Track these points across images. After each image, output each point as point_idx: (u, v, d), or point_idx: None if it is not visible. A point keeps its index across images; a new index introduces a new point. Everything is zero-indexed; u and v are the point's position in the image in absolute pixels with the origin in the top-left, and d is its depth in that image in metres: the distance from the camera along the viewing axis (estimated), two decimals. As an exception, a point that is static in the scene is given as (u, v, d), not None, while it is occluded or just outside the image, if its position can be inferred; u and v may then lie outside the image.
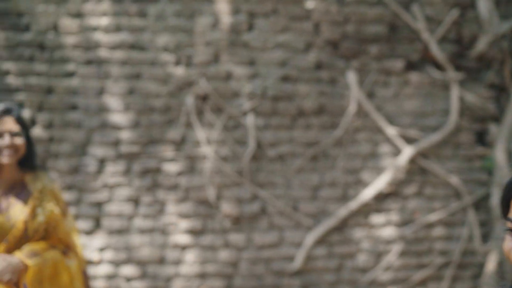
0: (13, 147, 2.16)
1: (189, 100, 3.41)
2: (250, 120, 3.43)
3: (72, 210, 3.44)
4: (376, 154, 3.52)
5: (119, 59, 3.40)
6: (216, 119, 3.43)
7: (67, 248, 2.30)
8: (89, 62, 3.41)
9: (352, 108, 3.46)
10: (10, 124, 2.17)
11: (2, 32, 3.37)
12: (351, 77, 3.44)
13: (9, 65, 3.38)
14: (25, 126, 2.24)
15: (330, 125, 3.51)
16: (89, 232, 3.48)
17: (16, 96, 3.39)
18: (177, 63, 3.42)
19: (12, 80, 3.39)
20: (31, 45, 3.38)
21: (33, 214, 2.17)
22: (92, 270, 3.47)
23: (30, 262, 2.04)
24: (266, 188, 3.49)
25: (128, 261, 3.48)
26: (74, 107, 3.43)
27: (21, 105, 3.39)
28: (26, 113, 3.39)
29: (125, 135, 3.44)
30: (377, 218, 3.53)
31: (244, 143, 3.47)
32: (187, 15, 3.38)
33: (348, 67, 3.47)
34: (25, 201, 2.19)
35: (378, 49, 3.45)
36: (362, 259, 3.53)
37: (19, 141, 2.18)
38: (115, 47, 3.40)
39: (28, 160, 2.26)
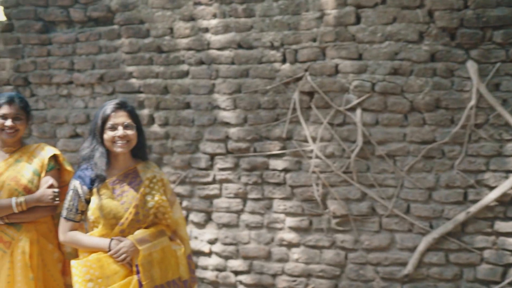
0: (125, 138, 2.34)
1: (295, 96, 3.38)
2: (358, 116, 3.29)
3: (184, 203, 3.64)
4: (501, 153, 3.13)
5: (228, 58, 3.50)
6: (322, 115, 3.35)
7: (174, 234, 2.43)
8: (200, 62, 3.56)
9: (472, 102, 3.12)
10: (123, 117, 2.36)
11: (126, 39, 3.68)
12: (471, 68, 3.10)
13: (132, 68, 3.68)
14: (137, 119, 2.42)
15: (447, 121, 3.20)
16: (200, 225, 3.63)
17: (138, 96, 3.68)
18: (283, 59, 3.41)
19: (134, 82, 3.69)
20: (150, 49, 3.64)
21: (144, 201, 2.34)
22: (202, 261, 3.63)
23: (140, 247, 2.23)
24: (375, 187, 3.31)
25: (236, 255, 3.56)
26: (187, 105, 3.61)
27: (141, 104, 3.67)
28: (145, 112, 3.66)
29: (233, 131, 3.53)
30: (502, 225, 3.14)
31: (351, 140, 3.33)
32: (292, 11, 3.35)
33: (467, 57, 3.13)
34: (137, 188, 2.37)
35: (502, 35, 3.06)
36: (484, 270, 3.17)
37: (131, 132, 2.36)
38: (224, 47, 3.50)
39: (140, 151, 2.45)
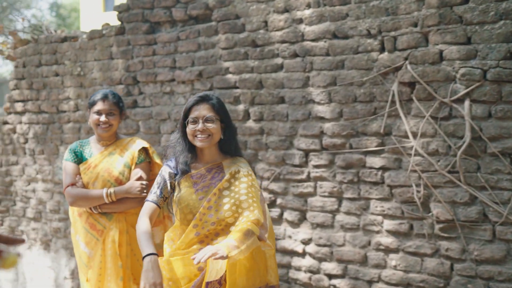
0: (205, 132, 2.26)
1: (394, 88, 3.09)
2: (466, 108, 2.89)
3: (279, 201, 3.54)
4: None
5: (322, 49, 3.33)
6: (424, 108, 3.02)
7: (262, 229, 2.22)
8: (294, 55, 3.43)
9: None
10: (205, 110, 2.28)
11: (223, 35, 3.69)
12: None
13: (228, 64, 3.68)
14: (222, 113, 2.32)
15: None
16: (294, 224, 3.50)
17: (234, 91, 3.67)
18: (381, 48, 3.14)
19: (230, 77, 3.68)
20: (245, 43, 3.60)
21: (220, 196, 2.22)
22: (296, 262, 3.50)
23: (231, 253, 1.99)
24: (486, 190, 2.88)
25: (330, 257, 3.37)
26: (281, 100, 3.51)
27: (237, 99, 3.65)
28: (241, 107, 3.64)
29: (328, 126, 3.34)
30: None
31: (458, 135, 2.94)
32: (390, -6, 3.07)
33: None
34: (217, 184, 2.27)
35: None
36: None
37: (212, 126, 2.26)
38: (318, 37, 3.33)
39: (226, 145, 2.35)
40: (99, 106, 2.94)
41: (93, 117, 2.95)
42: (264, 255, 2.16)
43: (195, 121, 2.26)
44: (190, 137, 2.28)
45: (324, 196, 3.39)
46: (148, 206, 2.32)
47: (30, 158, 4.86)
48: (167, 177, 2.34)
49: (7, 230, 5.11)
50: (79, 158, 2.99)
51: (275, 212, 3.57)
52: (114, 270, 2.88)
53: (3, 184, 5.14)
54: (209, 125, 2.26)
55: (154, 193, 2.33)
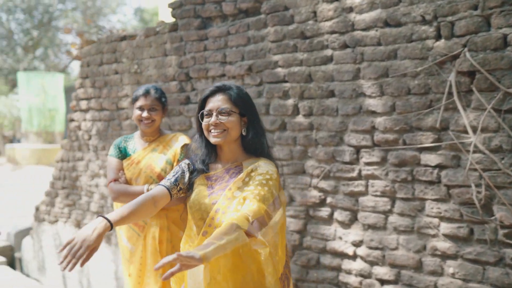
0: (219, 127, 1.98)
1: (452, 78, 2.81)
2: (534, 100, 2.57)
3: (329, 199, 3.37)
4: None
5: (373, 39, 3.11)
6: (486, 100, 2.72)
7: (259, 224, 1.81)
8: (344, 46, 3.24)
9: None
10: (219, 101, 2.00)
11: (272, 28, 3.57)
12: None
13: (277, 57, 3.56)
14: (244, 105, 2.02)
15: None
16: (345, 224, 3.32)
17: (283, 85, 3.54)
18: (437, 35, 2.87)
19: (280, 71, 3.56)
20: (294, 35, 3.46)
21: (231, 197, 1.94)
22: (346, 264, 3.31)
23: (202, 253, 1.55)
24: (558, 192, 2.54)
25: (382, 261, 3.15)
26: (331, 94, 3.33)
27: (286, 93, 3.52)
28: (290, 102, 3.50)
29: (380, 121, 3.12)
30: None
31: (525, 130, 2.62)
32: (447, -25, 2.80)
33: None
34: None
35: None
36: None
37: (227, 119, 1.98)
38: (369, 26, 3.12)
39: (249, 144, 2.03)
40: (141, 101, 2.94)
41: (136, 112, 2.95)
42: (257, 256, 1.73)
43: (209, 114, 1.99)
44: (205, 133, 2.02)
45: (376, 196, 3.17)
46: (156, 188, 2.02)
47: (94, 154, 5.03)
48: (186, 169, 2.08)
49: (73, 223, 5.34)
50: (122, 154, 3.00)
51: (325, 211, 3.39)
52: (154, 267, 2.86)
53: (70, 179, 5.37)
54: (223, 118, 1.96)
55: (167, 179, 2.06)
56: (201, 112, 2.04)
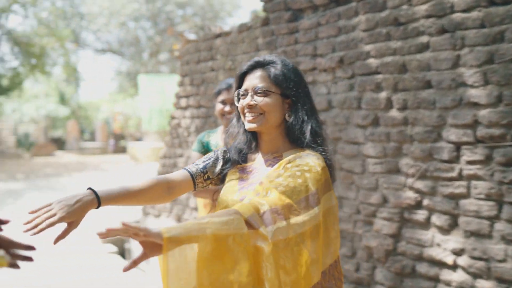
0: (255, 110, 1.64)
1: None
2: None
3: (425, 202, 3.06)
4: None
5: (476, 21, 2.75)
6: None
7: (275, 214, 1.42)
8: (442, 31, 2.91)
9: None
10: (256, 79, 1.66)
11: (363, 16, 3.34)
12: None
13: (369, 47, 3.31)
14: (287, 85, 1.64)
15: None
16: (444, 230, 2.98)
17: (375, 77, 3.28)
18: (554, 12, 2.45)
19: (372, 62, 3.31)
20: (387, 22, 3.19)
21: (260, 192, 1.56)
22: (445, 275, 2.98)
23: (164, 228, 1.26)
24: None
25: (487, 274, 2.77)
26: (427, 85, 3.01)
27: (378, 86, 3.26)
28: (383, 95, 3.24)
29: (483, 114, 2.75)
30: None
31: None
32: None
33: None
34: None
35: None
36: None
37: (264, 101, 1.63)
38: (470, 7, 2.76)
39: (297, 133, 1.66)
40: (223, 95, 2.88)
41: (218, 106, 2.91)
42: (257, 254, 1.36)
43: (245, 94, 1.66)
44: (242, 117, 1.68)
45: (480, 199, 2.80)
46: (178, 172, 1.73)
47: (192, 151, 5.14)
48: (220, 156, 1.76)
49: (175, 217, 5.50)
50: (205, 149, 2.98)
51: (422, 215, 3.08)
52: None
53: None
54: (259, 99, 1.61)
55: (195, 165, 1.75)
56: (237, 91, 1.69)
